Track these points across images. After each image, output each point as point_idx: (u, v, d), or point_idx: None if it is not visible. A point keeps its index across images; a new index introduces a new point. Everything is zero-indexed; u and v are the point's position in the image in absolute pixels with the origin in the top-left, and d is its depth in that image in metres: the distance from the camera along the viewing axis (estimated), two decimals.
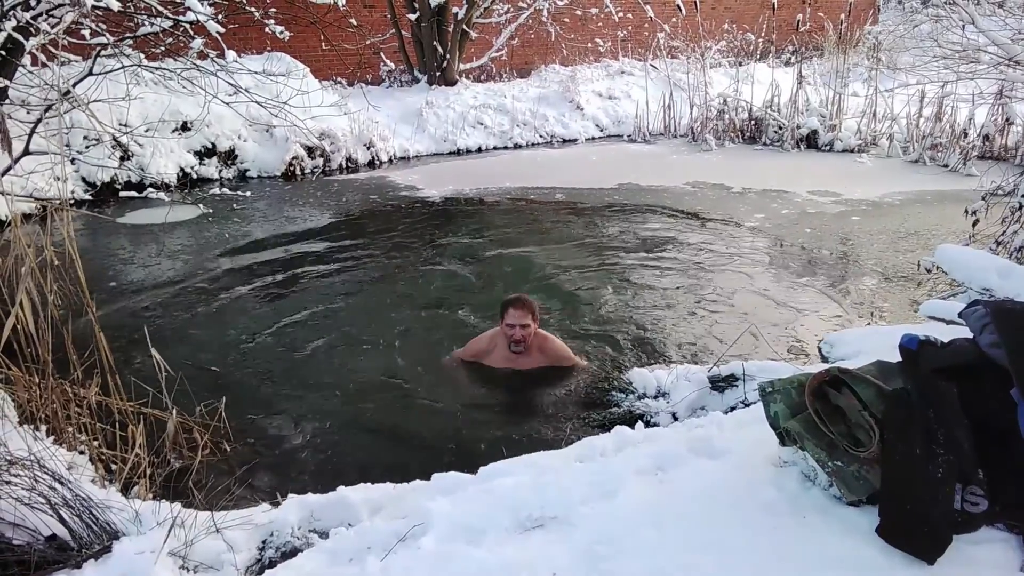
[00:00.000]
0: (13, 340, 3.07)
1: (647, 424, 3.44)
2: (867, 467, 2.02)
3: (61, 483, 2.40)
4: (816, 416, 2.12)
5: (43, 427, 3.05)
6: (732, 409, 3.37)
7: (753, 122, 11.18)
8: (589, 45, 13.72)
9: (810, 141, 10.70)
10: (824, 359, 4.02)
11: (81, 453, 3.05)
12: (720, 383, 3.66)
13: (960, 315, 2.27)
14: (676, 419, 3.54)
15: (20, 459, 2.40)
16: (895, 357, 2.25)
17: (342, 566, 2.18)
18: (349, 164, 9.90)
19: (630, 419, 3.52)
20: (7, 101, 6.36)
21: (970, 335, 2.22)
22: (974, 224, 5.21)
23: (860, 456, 2.03)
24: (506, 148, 11.22)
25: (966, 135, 9.38)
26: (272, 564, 2.34)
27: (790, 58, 14.37)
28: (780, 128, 10.86)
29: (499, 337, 4.14)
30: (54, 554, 2.31)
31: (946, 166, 9.23)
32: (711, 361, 4.02)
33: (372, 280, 5.89)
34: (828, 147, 10.56)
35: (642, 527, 2.11)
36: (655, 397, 3.79)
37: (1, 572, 2.21)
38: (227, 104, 6.34)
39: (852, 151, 10.33)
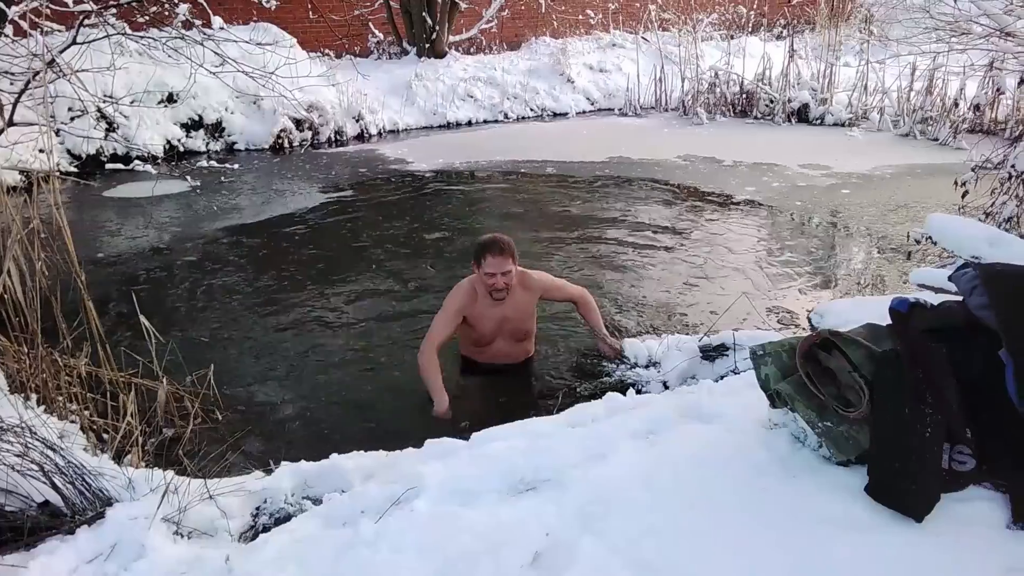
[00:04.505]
0: (1, 310, 3.05)
1: (638, 392, 3.45)
2: (856, 427, 2.04)
3: (53, 450, 2.39)
4: (807, 378, 2.13)
5: (33, 396, 3.04)
6: (722, 378, 3.38)
7: (744, 96, 11.17)
8: (580, 17, 13.60)
9: (801, 115, 10.70)
10: (814, 329, 4.04)
11: (72, 422, 3.04)
12: (711, 352, 3.68)
13: (950, 278, 2.28)
14: (667, 388, 3.56)
15: (11, 426, 2.39)
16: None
17: (336, 529, 2.19)
18: (338, 137, 9.82)
19: (621, 388, 3.53)
20: None
21: (959, 299, 2.24)
22: (963, 196, 5.21)
23: (850, 416, 2.04)
24: (496, 121, 11.16)
25: (956, 106, 9.40)
26: (266, 529, 2.34)
27: (782, 31, 14.31)
28: (771, 102, 10.84)
29: (478, 284, 3.70)
30: (47, 520, 2.30)
31: (936, 139, 9.27)
32: (702, 331, 4.04)
33: (362, 252, 5.86)
34: (819, 121, 10.57)
35: (633, 488, 2.13)
36: (646, 366, 3.81)
37: None
38: (214, 75, 6.24)
39: (843, 125, 10.35)
